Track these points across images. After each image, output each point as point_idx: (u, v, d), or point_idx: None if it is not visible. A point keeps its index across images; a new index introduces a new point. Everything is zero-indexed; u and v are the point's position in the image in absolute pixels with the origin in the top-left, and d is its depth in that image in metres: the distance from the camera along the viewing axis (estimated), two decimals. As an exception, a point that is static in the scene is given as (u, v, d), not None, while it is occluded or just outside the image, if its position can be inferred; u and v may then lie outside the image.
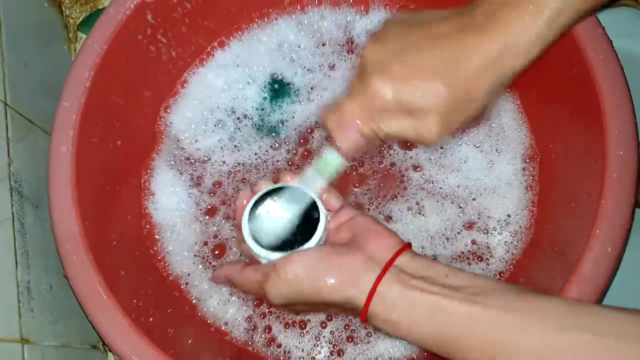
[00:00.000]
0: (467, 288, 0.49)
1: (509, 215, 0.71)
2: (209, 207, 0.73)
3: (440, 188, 0.72)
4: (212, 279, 0.69)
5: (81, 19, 0.86)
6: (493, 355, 0.47)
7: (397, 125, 0.54)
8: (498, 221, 0.71)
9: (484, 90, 0.53)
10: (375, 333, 0.70)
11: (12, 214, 0.63)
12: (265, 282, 0.54)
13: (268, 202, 0.57)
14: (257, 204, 0.57)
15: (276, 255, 0.55)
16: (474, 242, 0.71)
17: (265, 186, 0.58)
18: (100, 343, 0.75)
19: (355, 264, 0.52)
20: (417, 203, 0.72)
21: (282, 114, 0.76)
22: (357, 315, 0.53)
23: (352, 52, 0.77)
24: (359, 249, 0.54)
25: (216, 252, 0.72)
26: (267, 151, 0.75)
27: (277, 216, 0.57)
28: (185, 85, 0.76)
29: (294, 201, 0.57)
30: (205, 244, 0.72)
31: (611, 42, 0.62)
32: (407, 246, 0.54)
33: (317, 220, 0.56)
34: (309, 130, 0.76)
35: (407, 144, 0.74)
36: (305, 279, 0.53)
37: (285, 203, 0.57)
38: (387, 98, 0.53)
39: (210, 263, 0.72)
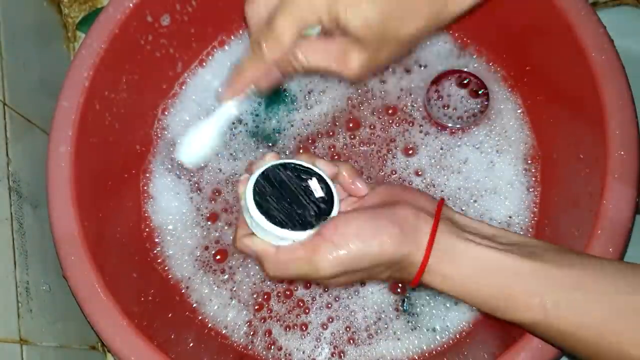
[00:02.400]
0: (522, 246, 0.49)
1: (510, 217, 0.71)
2: (210, 213, 0.73)
3: (442, 191, 0.72)
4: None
5: (80, 18, 0.86)
6: (548, 312, 0.46)
7: (315, 52, 0.51)
8: (500, 222, 0.71)
9: (423, 15, 0.50)
10: (376, 334, 0.69)
11: (11, 214, 0.63)
12: (316, 254, 0.50)
13: (269, 181, 0.53)
14: (258, 186, 0.53)
15: (298, 235, 0.51)
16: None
17: (258, 167, 0.54)
18: (99, 344, 0.74)
19: (405, 215, 0.50)
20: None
21: (278, 122, 0.75)
22: (410, 275, 0.51)
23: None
24: (401, 203, 0.51)
25: (217, 257, 0.72)
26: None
27: (284, 195, 0.53)
28: (183, 86, 0.76)
29: (297, 177, 0.54)
30: (206, 248, 0.72)
31: (612, 41, 0.62)
32: (443, 200, 0.53)
33: (328, 192, 0.53)
34: (309, 140, 0.75)
35: (409, 152, 0.73)
36: (360, 240, 0.49)
37: (288, 180, 0.54)
38: (319, 7, 0.48)
39: (211, 267, 0.72)
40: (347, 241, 0.49)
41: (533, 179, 0.71)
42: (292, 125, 0.75)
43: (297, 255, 0.51)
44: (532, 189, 0.71)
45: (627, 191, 0.58)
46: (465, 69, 0.74)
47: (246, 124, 0.75)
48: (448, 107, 0.73)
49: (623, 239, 0.58)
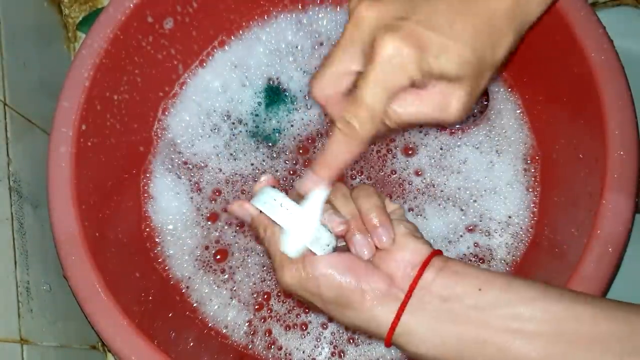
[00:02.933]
0: (502, 307, 0.46)
1: (510, 217, 0.71)
2: (211, 213, 0.73)
3: (442, 191, 0.72)
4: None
5: (80, 18, 0.86)
6: None
7: (411, 104, 0.47)
8: (499, 223, 0.71)
9: (510, 32, 0.47)
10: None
11: (11, 214, 0.63)
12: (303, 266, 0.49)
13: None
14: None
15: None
16: (476, 244, 0.71)
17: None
18: (100, 344, 0.75)
19: (377, 286, 0.48)
20: (418, 206, 0.72)
21: (278, 122, 0.75)
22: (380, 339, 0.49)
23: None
24: (380, 268, 0.49)
25: (217, 257, 0.72)
26: (264, 161, 0.74)
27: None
28: (183, 86, 0.76)
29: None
30: (207, 248, 0.72)
31: (612, 42, 0.62)
32: (432, 256, 0.49)
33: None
34: (309, 140, 0.75)
35: (408, 152, 0.73)
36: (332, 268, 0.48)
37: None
38: (406, 61, 0.45)
39: (211, 267, 0.72)
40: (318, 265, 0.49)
41: (532, 179, 0.71)
42: (292, 125, 0.75)
43: (294, 268, 0.50)
44: (532, 189, 0.71)
45: (627, 191, 0.58)
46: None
47: (246, 124, 0.75)
48: None
49: (623, 238, 0.58)
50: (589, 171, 0.62)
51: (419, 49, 0.45)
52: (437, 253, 0.50)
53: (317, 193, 0.51)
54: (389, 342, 0.48)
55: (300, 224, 0.50)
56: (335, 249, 0.51)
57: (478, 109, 0.73)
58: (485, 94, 0.73)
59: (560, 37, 0.63)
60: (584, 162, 0.64)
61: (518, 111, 0.73)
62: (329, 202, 0.52)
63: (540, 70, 0.69)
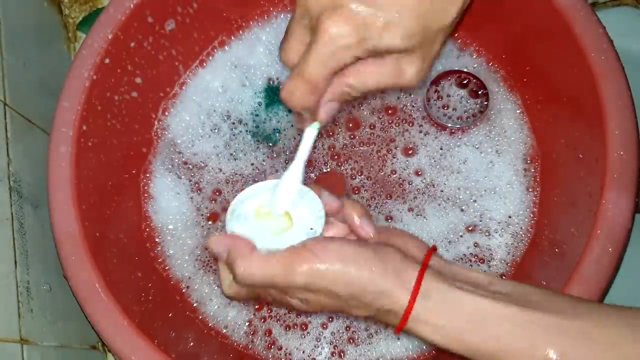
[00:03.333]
0: (518, 294, 0.46)
1: (510, 217, 0.71)
2: (211, 213, 0.73)
3: (442, 191, 0.72)
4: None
5: (80, 18, 0.86)
6: None
7: (368, 76, 0.48)
8: (499, 223, 0.71)
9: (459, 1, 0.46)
10: (376, 334, 0.69)
11: (12, 214, 0.63)
12: (293, 258, 0.47)
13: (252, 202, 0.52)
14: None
15: (279, 242, 0.49)
16: (476, 244, 0.71)
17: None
18: (100, 343, 0.75)
19: (393, 256, 0.47)
20: (418, 206, 0.72)
21: (278, 122, 0.75)
22: (393, 320, 0.47)
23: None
24: (390, 245, 0.48)
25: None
26: (264, 161, 0.74)
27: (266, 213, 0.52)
28: (184, 87, 0.76)
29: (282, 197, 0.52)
30: (207, 248, 0.72)
31: (612, 41, 0.62)
32: (435, 248, 0.51)
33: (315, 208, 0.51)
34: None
35: (408, 152, 0.73)
36: (339, 260, 0.46)
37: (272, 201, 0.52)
38: (349, 42, 0.44)
39: (211, 267, 0.72)
40: (329, 257, 0.46)
41: (532, 179, 0.71)
42: (292, 125, 0.75)
43: (275, 258, 0.48)
44: (532, 189, 0.71)
45: (627, 191, 0.58)
46: (465, 69, 0.74)
47: (246, 124, 0.75)
48: (448, 107, 0.73)
49: (622, 238, 0.58)
50: (588, 171, 0.62)
51: (362, 28, 0.44)
52: (435, 248, 0.51)
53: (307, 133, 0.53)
54: (410, 307, 0.46)
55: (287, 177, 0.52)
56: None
57: (478, 108, 0.73)
58: (485, 94, 0.73)
59: (560, 37, 0.63)
60: (583, 161, 0.64)
61: (518, 111, 0.73)
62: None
63: (540, 70, 0.69)
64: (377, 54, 0.46)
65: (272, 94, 0.76)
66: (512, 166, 0.72)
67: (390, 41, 0.45)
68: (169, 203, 0.73)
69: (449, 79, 0.74)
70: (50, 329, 0.65)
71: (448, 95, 0.74)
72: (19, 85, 0.68)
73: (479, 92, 0.73)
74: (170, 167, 0.74)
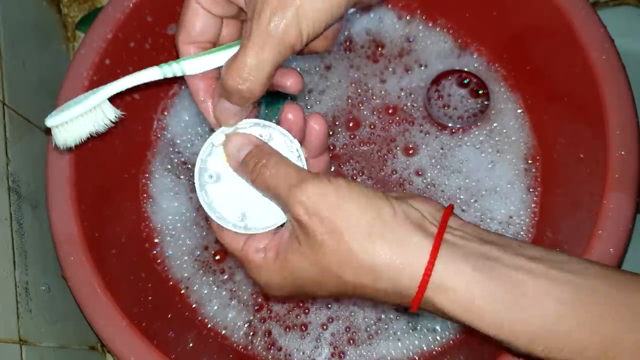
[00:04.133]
0: (555, 262, 0.40)
1: (511, 217, 0.71)
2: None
3: (442, 191, 0.72)
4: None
5: (79, 18, 0.86)
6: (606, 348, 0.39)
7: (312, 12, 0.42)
8: (500, 223, 0.71)
9: None
10: (376, 334, 0.69)
11: (10, 214, 0.63)
12: (289, 251, 0.44)
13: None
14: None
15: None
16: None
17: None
18: (99, 344, 0.74)
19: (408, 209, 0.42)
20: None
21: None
22: (410, 292, 0.41)
23: (351, 51, 0.77)
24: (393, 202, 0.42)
25: (217, 258, 0.72)
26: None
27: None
28: (183, 86, 0.75)
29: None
30: (206, 248, 0.72)
31: (613, 41, 0.62)
32: (452, 207, 0.44)
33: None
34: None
35: (409, 152, 0.73)
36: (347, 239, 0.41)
37: None
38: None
39: (210, 267, 0.72)
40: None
41: (533, 179, 0.71)
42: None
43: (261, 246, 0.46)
44: (533, 189, 0.71)
45: (628, 191, 0.58)
46: (466, 69, 0.74)
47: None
48: (448, 107, 0.73)
49: (624, 239, 0.58)
50: (590, 171, 0.62)
51: None
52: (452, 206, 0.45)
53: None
54: (419, 298, 0.41)
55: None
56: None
57: (479, 108, 0.73)
58: (485, 94, 0.72)
59: (561, 36, 0.63)
60: (585, 162, 0.64)
61: (519, 111, 0.73)
62: None
63: (541, 70, 0.69)
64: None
65: (272, 93, 0.75)
66: (512, 166, 0.72)
67: None
68: (168, 203, 0.73)
69: (450, 79, 0.74)
70: (49, 329, 0.64)
71: (449, 95, 0.73)
72: (18, 85, 0.68)
73: (480, 92, 0.73)
74: (169, 167, 0.74)
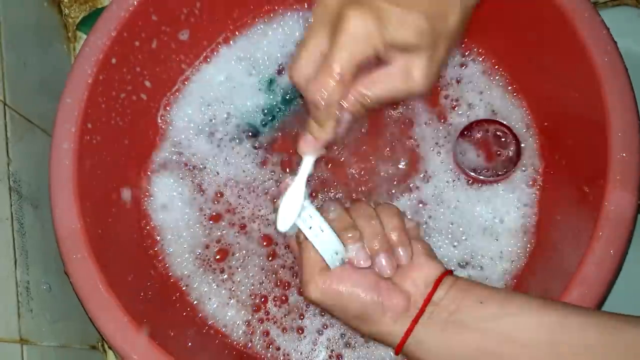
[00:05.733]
0: (501, 318, 0.51)
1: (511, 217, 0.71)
2: (212, 212, 0.73)
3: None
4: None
5: (80, 18, 0.86)
6: None
7: (379, 82, 0.51)
8: (500, 223, 0.71)
9: (458, 7, 0.50)
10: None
11: (11, 213, 0.63)
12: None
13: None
14: None
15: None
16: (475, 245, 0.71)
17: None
18: (100, 343, 0.74)
19: (397, 302, 0.54)
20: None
21: (282, 121, 0.75)
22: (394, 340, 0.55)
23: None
24: (398, 286, 0.55)
25: (217, 257, 0.72)
26: (265, 162, 0.74)
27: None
28: (187, 82, 0.75)
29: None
30: (207, 247, 0.72)
31: (616, 43, 0.62)
32: (444, 275, 0.55)
33: None
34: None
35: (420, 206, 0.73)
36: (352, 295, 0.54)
37: None
38: (370, 30, 0.48)
39: (211, 266, 0.71)
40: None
41: (534, 179, 0.71)
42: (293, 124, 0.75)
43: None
44: (532, 190, 0.71)
45: (629, 193, 0.58)
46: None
47: (249, 122, 0.75)
48: (479, 157, 0.72)
49: (624, 240, 0.58)
50: (591, 172, 0.62)
51: (380, 21, 0.48)
52: (448, 273, 0.56)
53: (305, 161, 0.57)
54: (399, 350, 0.54)
55: (292, 196, 0.56)
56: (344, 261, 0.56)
57: (509, 159, 0.71)
58: (515, 142, 0.72)
59: (564, 38, 0.63)
60: (586, 163, 0.64)
61: (520, 111, 0.73)
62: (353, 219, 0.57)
63: (543, 70, 0.69)
64: (391, 51, 0.49)
65: (277, 92, 0.76)
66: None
67: (405, 34, 0.48)
68: (170, 201, 0.73)
69: (476, 128, 0.73)
70: (50, 329, 0.64)
71: (478, 145, 0.72)
72: (19, 85, 0.68)
73: (505, 139, 0.72)
74: (172, 165, 0.73)
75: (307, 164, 0.56)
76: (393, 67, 0.50)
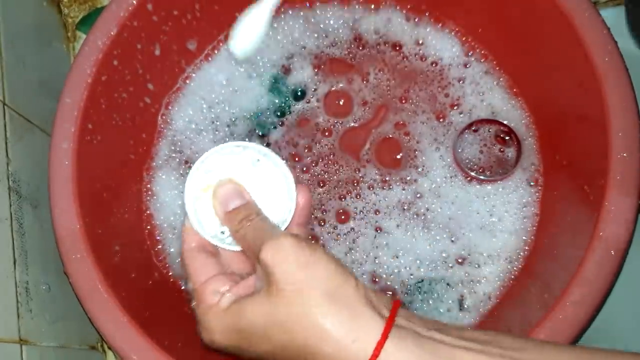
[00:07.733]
0: (494, 342, 0.43)
1: (513, 213, 0.71)
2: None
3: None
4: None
5: (80, 18, 0.86)
6: None
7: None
8: (501, 222, 0.71)
9: None
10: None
11: (11, 214, 0.62)
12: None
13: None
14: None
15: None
16: (476, 245, 0.71)
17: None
18: (99, 344, 0.74)
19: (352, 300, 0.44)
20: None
21: (282, 119, 0.75)
22: None
23: (364, 48, 0.76)
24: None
25: (217, 256, 0.72)
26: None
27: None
28: (187, 81, 0.75)
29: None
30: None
31: (616, 43, 0.62)
32: (400, 302, 0.46)
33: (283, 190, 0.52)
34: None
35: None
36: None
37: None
38: None
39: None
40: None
41: (534, 178, 0.71)
42: (293, 124, 0.75)
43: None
44: (533, 189, 0.71)
45: (630, 193, 0.58)
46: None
47: (250, 120, 0.75)
48: (478, 157, 0.72)
49: (625, 241, 0.58)
50: (591, 172, 0.62)
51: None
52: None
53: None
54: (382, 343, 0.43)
55: (252, 20, 0.53)
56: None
57: (508, 160, 0.72)
58: (516, 144, 0.71)
59: (565, 38, 0.63)
60: (586, 163, 0.64)
61: (521, 111, 0.73)
62: None
63: (543, 71, 0.69)
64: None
65: (278, 91, 0.75)
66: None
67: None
68: (170, 200, 0.73)
69: (477, 127, 0.73)
70: (50, 329, 0.64)
71: (478, 145, 0.73)
72: (18, 84, 0.68)
73: (507, 139, 0.72)
74: (172, 164, 0.73)
75: None
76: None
